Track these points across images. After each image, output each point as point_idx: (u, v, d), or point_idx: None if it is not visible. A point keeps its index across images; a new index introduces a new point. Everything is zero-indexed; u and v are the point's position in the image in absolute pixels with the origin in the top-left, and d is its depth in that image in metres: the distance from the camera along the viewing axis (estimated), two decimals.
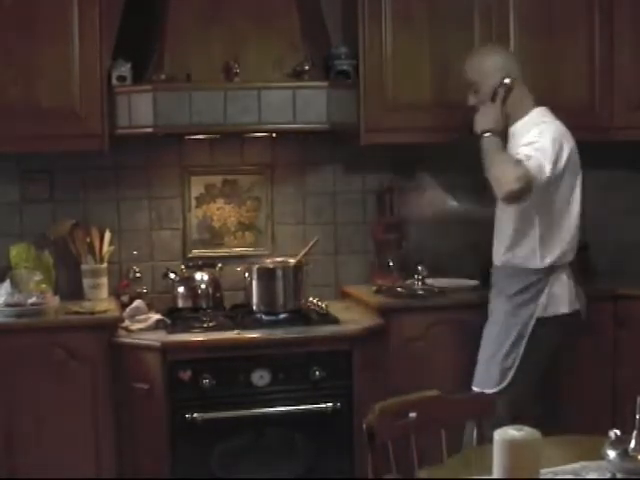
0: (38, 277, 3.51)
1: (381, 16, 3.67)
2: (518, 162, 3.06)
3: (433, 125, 3.67)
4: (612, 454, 1.97)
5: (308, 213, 4.03)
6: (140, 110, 3.44)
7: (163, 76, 3.45)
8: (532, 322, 3.20)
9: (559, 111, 3.33)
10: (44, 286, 3.50)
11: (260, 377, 3.34)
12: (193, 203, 3.93)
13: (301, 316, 3.56)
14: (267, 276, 3.59)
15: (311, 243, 3.70)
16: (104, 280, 3.75)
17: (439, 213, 3.90)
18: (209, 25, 3.53)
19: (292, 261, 3.65)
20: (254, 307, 3.59)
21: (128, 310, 3.54)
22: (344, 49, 3.68)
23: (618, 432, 1.99)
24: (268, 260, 3.76)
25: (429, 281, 3.74)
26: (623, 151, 4.08)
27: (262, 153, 3.96)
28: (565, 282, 3.26)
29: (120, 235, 3.86)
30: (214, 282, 3.77)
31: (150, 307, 3.63)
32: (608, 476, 2.00)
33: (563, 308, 3.25)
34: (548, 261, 3.22)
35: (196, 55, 3.52)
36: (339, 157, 3.99)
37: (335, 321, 3.53)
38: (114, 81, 3.49)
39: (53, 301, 3.47)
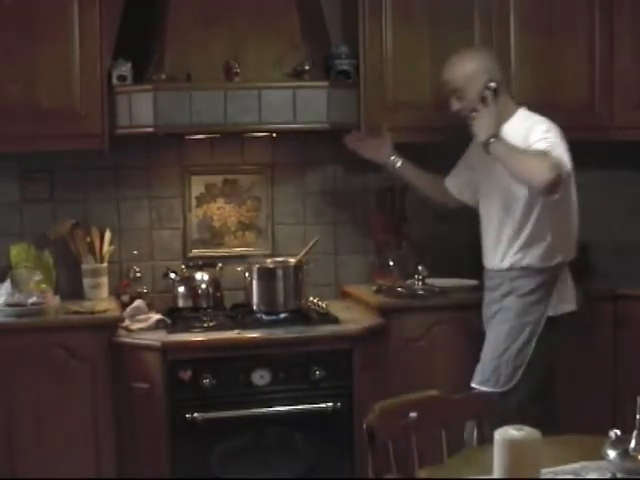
0: (38, 277, 3.51)
1: (381, 16, 3.67)
2: (544, 154, 3.03)
3: (433, 125, 3.66)
4: (612, 454, 1.98)
5: (308, 213, 4.03)
6: (140, 110, 3.44)
7: (163, 76, 3.44)
8: (543, 320, 3.21)
9: (559, 111, 3.32)
10: (44, 286, 3.50)
11: (260, 377, 3.34)
12: (193, 203, 3.93)
13: (301, 316, 3.56)
14: (267, 276, 3.60)
15: (311, 243, 3.70)
16: (104, 280, 3.75)
17: (439, 213, 3.91)
18: (209, 25, 3.53)
19: (292, 261, 3.65)
20: (254, 307, 3.59)
21: (128, 310, 3.54)
22: (344, 49, 3.68)
23: (618, 432, 2.00)
24: (268, 260, 3.75)
25: (429, 281, 3.74)
26: (623, 151, 4.07)
27: (262, 153, 3.96)
28: (569, 280, 3.29)
29: (120, 235, 3.86)
30: (214, 282, 3.77)
31: (150, 307, 3.63)
32: (608, 476, 2.00)
33: (570, 306, 3.28)
34: (559, 260, 3.23)
35: (196, 55, 3.52)
36: (339, 157, 3.98)
37: (335, 321, 3.52)
38: (114, 81, 3.49)
39: (53, 301, 3.47)
